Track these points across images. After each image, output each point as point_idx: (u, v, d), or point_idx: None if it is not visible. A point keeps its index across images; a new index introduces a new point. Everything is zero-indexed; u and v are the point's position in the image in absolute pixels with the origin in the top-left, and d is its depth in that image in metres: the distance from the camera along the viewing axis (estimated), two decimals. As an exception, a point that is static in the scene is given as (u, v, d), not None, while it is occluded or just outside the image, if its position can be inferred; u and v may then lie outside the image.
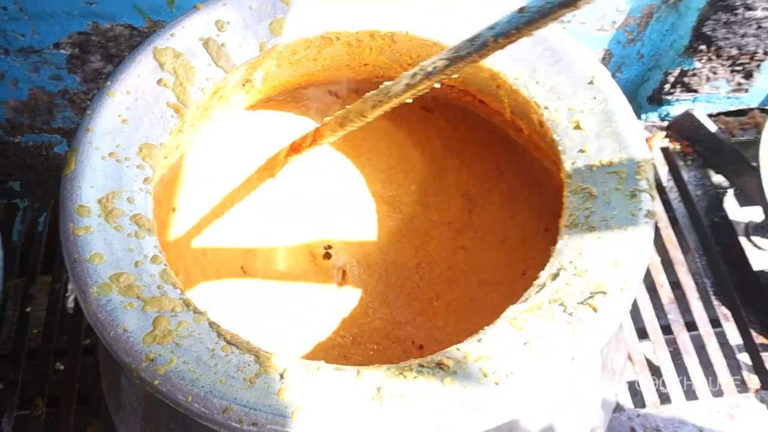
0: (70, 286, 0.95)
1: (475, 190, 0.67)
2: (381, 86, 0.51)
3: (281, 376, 0.39)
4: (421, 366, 0.40)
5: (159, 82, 0.53)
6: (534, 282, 0.44)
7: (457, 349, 0.41)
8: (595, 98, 0.53)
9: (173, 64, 0.54)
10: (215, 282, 0.64)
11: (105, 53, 0.95)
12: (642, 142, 0.50)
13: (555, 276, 0.44)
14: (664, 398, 0.77)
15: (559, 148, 0.51)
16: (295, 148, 0.67)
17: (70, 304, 0.94)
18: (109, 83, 0.52)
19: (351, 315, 0.62)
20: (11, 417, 0.74)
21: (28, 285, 0.84)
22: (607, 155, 0.50)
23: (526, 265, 0.59)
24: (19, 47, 0.91)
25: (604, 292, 0.41)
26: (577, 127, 0.52)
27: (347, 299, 0.63)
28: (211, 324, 0.42)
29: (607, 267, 0.43)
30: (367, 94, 0.53)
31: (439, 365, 0.40)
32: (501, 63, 0.57)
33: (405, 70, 0.68)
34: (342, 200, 0.69)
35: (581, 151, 0.50)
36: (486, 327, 0.42)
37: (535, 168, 0.67)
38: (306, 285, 0.64)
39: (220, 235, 0.67)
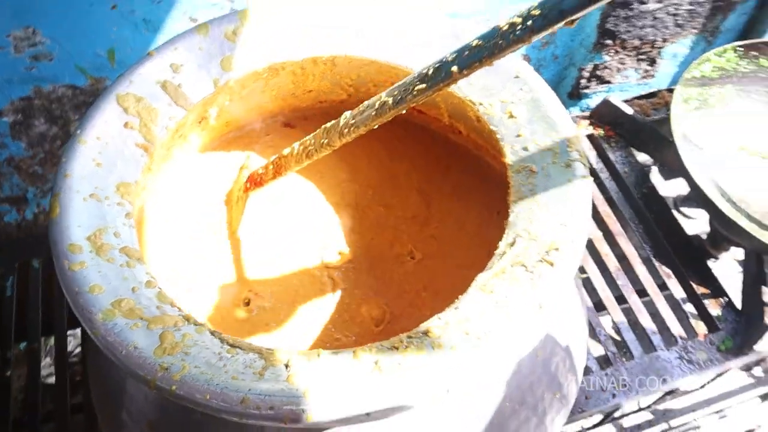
0: (44, 355, 0.95)
1: (427, 186, 0.73)
2: (344, 116, 0.55)
3: (286, 366, 0.43)
4: (410, 337, 0.44)
5: (126, 125, 0.57)
6: (495, 252, 0.50)
7: (439, 318, 0.45)
8: (521, 89, 0.60)
9: (136, 108, 0.58)
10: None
11: (49, 116, 0.97)
12: (569, 121, 0.57)
13: (512, 244, 0.49)
14: (627, 356, 0.83)
15: (498, 136, 0.58)
16: (257, 182, 0.69)
17: (45, 371, 0.94)
18: (78, 132, 0.55)
19: (351, 314, 0.66)
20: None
21: (4, 352, 0.84)
22: (540, 136, 0.56)
23: (489, 246, 0.64)
24: (-40, 120, 0.92)
25: (557, 249, 0.47)
26: (511, 116, 0.58)
27: (343, 299, 0.67)
28: (213, 332, 0.45)
29: (556, 228, 0.49)
30: (329, 123, 0.56)
31: (425, 334, 0.44)
32: (435, 70, 0.63)
33: (345, 92, 0.74)
34: (304, 216, 0.73)
35: (517, 135, 0.57)
36: (460, 296, 0.47)
37: (477, 165, 0.73)
38: (303, 294, 0.67)
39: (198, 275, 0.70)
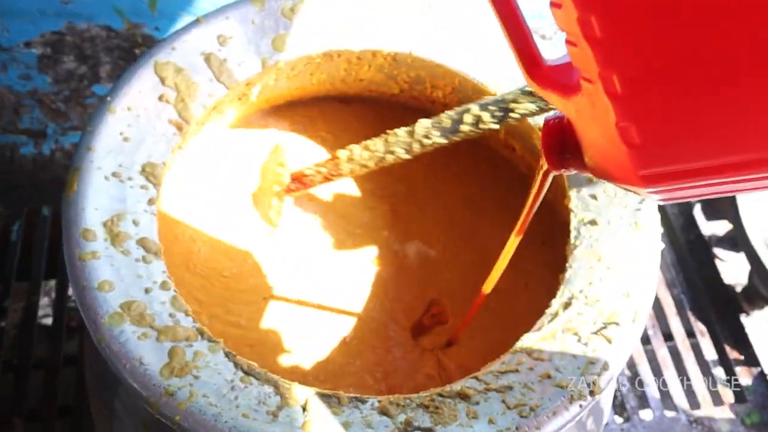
0: (42, 299, 0.91)
1: (472, 199, 0.68)
2: (420, 124, 0.49)
3: (303, 409, 0.38)
4: (441, 396, 0.40)
5: (161, 98, 0.52)
6: (546, 310, 0.45)
7: (477, 379, 0.41)
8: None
9: (175, 80, 0.53)
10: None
11: (79, 54, 0.92)
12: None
13: (567, 305, 0.45)
14: (646, 413, 0.79)
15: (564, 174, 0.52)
16: (304, 183, 0.62)
17: (42, 311, 0.91)
18: (109, 98, 0.50)
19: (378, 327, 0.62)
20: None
21: (1, 298, 0.81)
22: (611, 185, 0.51)
23: (528, 276, 0.60)
24: (-14, 45, 0.87)
25: (616, 323, 0.42)
26: (581, 153, 0.53)
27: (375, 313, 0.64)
28: (227, 354, 0.41)
29: (618, 297, 0.44)
30: (401, 130, 0.49)
31: (460, 396, 0.40)
32: (503, 86, 0.58)
33: (400, 87, 0.69)
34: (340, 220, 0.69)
35: (587, 179, 0.51)
36: (503, 356, 0.42)
37: (521, 183, 0.68)
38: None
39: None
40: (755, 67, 0.21)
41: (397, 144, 0.49)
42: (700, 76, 0.22)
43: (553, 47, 1.00)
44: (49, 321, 0.88)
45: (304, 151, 0.72)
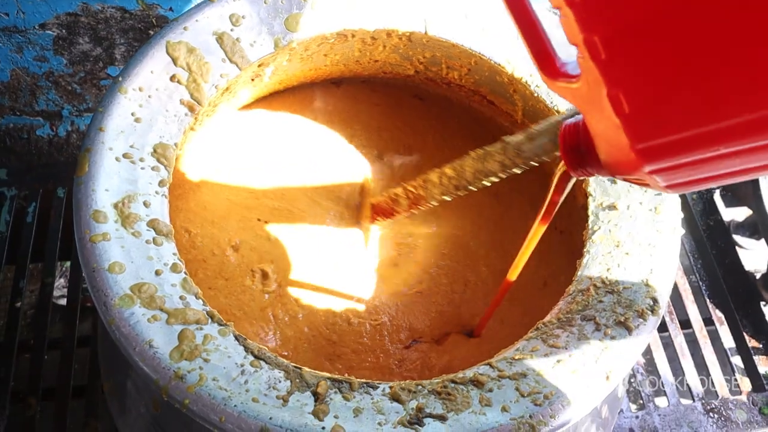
0: (58, 280, 0.92)
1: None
2: (507, 144, 0.44)
3: (314, 394, 0.38)
4: (454, 382, 0.39)
5: (172, 78, 0.51)
6: (562, 297, 0.44)
7: (490, 365, 0.40)
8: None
9: (187, 60, 0.52)
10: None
11: (94, 35, 0.92)
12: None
13: (584, 291, 0.44)
14: (661, 398, 0.78)
15: (583, 158, 0.51)
16: (385, 212, 0.59)
17: (57, 292, 0.92)
18: (120, 79, 0.50)
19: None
20: (3, 416, 0.72)
21: (17, 278, 0.81)
22: (631, 168, 0.49)
23: (548, 268, 0.59)
24: (2, 27, 0.87)
25: (635, 310, 0.41)
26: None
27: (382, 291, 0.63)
28: (237, 337, 0.40)
29: (637, 284, 0.43)
30: (492, 147, 0.44)
31: (474, 382, 0.39)
32: (522, 68, 0.56)
33: (415, 68, 0.68)
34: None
35: (605, 162, 0.50)
36: (517, 342, 0.41)
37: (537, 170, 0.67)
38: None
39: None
40: (733, 23, 0.21)
41: (492, 159, 0.44)
42: (677, 30, 0.22)
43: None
44: (64, 302, 0.89)
45: (315, 134, 0.71)
